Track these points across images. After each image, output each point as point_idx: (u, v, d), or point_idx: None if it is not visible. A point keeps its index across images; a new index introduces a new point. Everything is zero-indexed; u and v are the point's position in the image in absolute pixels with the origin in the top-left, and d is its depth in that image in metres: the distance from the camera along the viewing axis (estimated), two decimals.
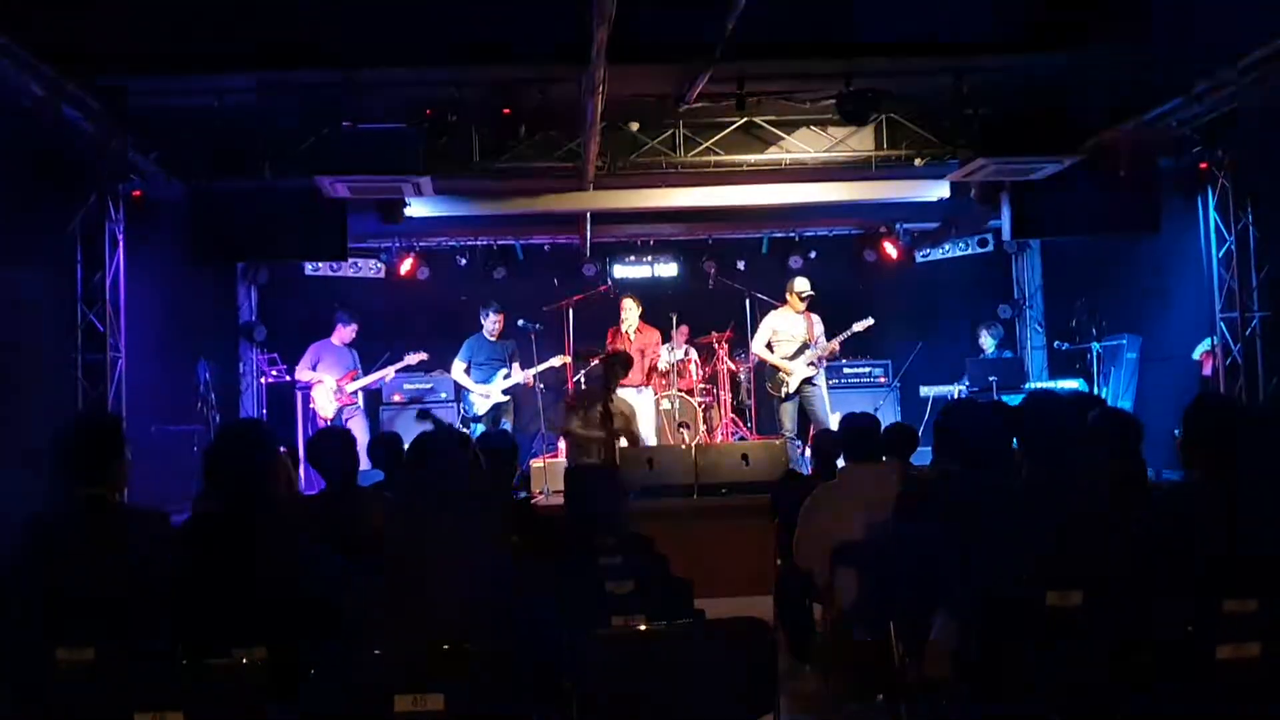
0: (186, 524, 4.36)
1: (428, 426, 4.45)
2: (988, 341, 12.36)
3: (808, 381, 10.74)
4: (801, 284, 11.01)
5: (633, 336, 11.50)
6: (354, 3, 7.16)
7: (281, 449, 4.58)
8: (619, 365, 8.80)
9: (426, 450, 3.50)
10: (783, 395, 10.81)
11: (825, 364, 11.00)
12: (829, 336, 10.96)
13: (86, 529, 3.95)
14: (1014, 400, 11.03)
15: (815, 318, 10.97)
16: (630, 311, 11.52)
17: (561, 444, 10.64)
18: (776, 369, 10.83)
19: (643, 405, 11.36)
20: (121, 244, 9.38)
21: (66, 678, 3.29)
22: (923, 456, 5.73)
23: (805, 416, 10.73)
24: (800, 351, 10.76)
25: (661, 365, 11.71)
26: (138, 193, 9.47)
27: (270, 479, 3.91)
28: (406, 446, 3.63)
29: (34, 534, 4.00)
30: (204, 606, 3.62)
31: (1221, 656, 3.25)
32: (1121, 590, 3.54)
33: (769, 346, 10.94)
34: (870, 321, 11.00)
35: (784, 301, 11.16)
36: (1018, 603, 3.58)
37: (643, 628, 3.66)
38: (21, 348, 8.41)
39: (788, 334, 10.89)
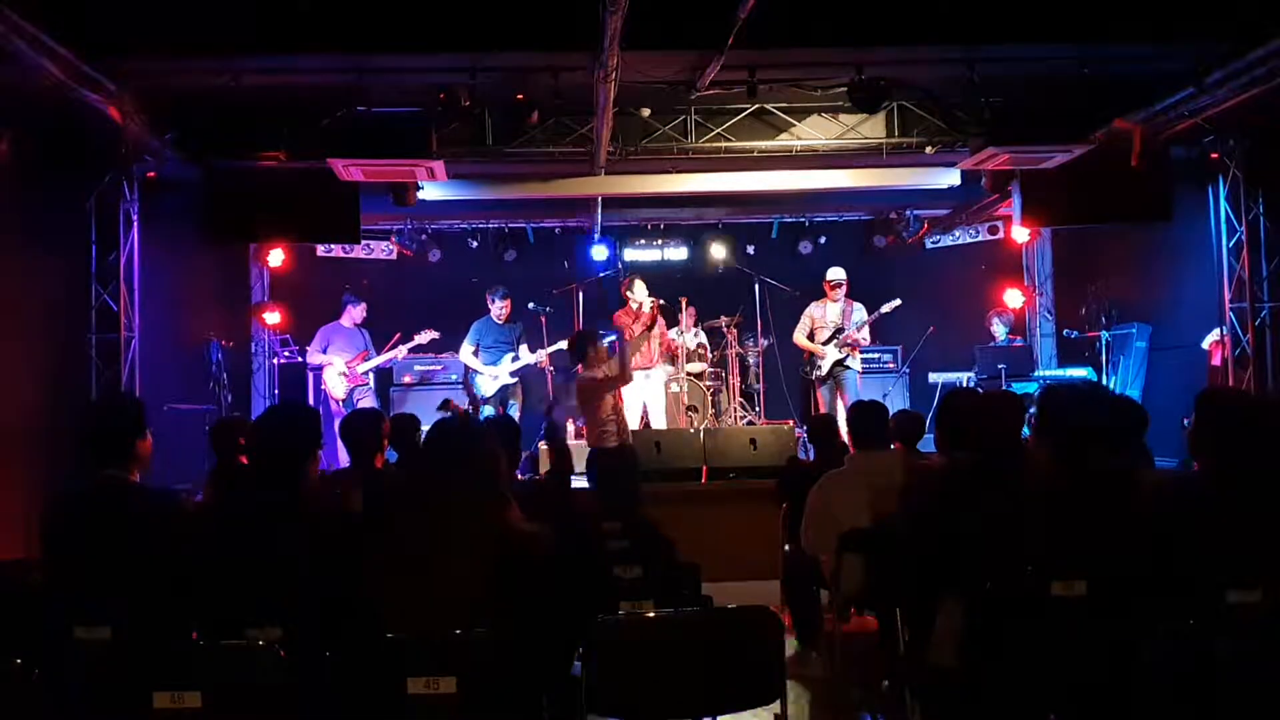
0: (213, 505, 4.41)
1: (447, 415, 4.49)
2: (999, 329, 12.36)
3: (840, 365, 11.04)
4: (831, 273, 11.34)
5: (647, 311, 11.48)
6: None
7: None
8: (580, 345, 8.78)
9: (441, 436, 3.54)
10: (815, 379, 11.17)
11: (859, 347, 11.18)
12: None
13: (104, 509, 4.00)
14: (1023, 387, 11.10)
15: (856, 305, 11.21)
16: (640, 293, 11.48)
17: (571, 427, 10.76)
18: (811, 354, 11.14)
19: (652, 389, 11.43)
20: (136, 224, 9.44)
21: (84, 657, 3.34)
22: (931, 443, 5.77)
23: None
24: (834, 338, 11.00)
25: (683, 341, 11.73)
26: (152, 174, 9.53)
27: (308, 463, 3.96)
28: (424, 430, 3.67)
29: (53, 513, 4.06)
30: (225, 587, 3.68)
31: (1222, 648, 3.29)
32: (1127, 580, 3.58)
33: (810, 335, 11.23)
34: (898, 302, 11.14)
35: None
36: (1023, 591, 3.62)
37: (651, 614, 3.70)
38: (36, 327, 8.48)
39: (824, 321, 11.23)
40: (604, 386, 8.49)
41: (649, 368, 11.39)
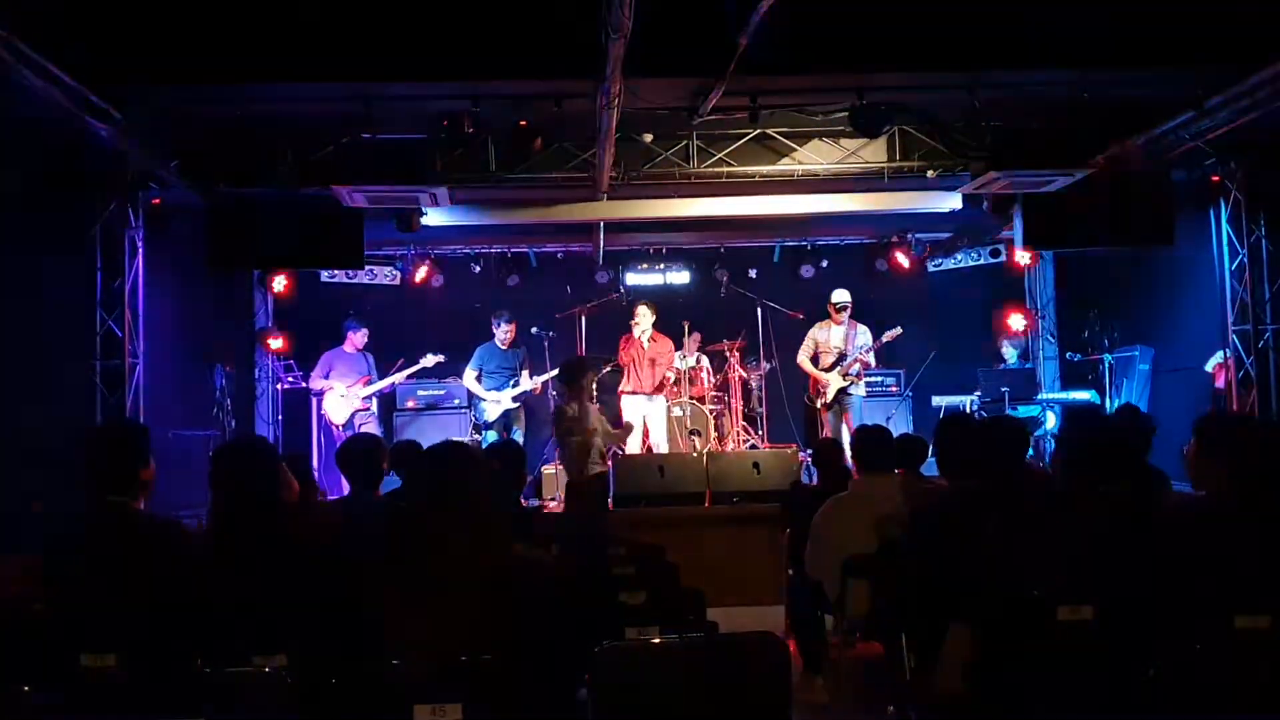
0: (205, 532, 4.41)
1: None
2: (1010, 352, 12.37)
3: (844, 391, 11.03)
4: (836, 295, 11.32)
5: (646, 344, 11.52)
6: (373, 16, 7.21)
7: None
8: (571, 373, 8.82)
9: (441, 460, 3.53)
10: (818, 406, 11.09)
11: (860, 374, 11.16)
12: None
13: (108, 537, 4.00)
14: (1026, 410, 11.11)
15: (860, 328, 11.19)
16: (644, 318, 11.53)
17: None
18: (816, 380, 11.10)
19: (655, 413, 11.44)
20: (141, 251, 9.46)
21: (90, 684, 3.33)
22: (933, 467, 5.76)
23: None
24: (838, 362, 10.94)
25: (672, 374, 11.79)
26: (157, 200, 9.57)
27: (275, 489, 3.97)
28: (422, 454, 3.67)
29: (56, 540, 4.06)
30: (225, 614, 3.67)
31: (1231, 673, 3.27)
32: (1134, 605, 3.57)
33: (814, 359, 11.16)
34: (899, 330, 11.11)
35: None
36: (1029, 616, 3.61)
37: (656, 640, 3.69)
38: (41, 353, 8.49)
39: (827, 345, 11.19)
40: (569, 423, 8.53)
41: (649, 393, 11.43)
